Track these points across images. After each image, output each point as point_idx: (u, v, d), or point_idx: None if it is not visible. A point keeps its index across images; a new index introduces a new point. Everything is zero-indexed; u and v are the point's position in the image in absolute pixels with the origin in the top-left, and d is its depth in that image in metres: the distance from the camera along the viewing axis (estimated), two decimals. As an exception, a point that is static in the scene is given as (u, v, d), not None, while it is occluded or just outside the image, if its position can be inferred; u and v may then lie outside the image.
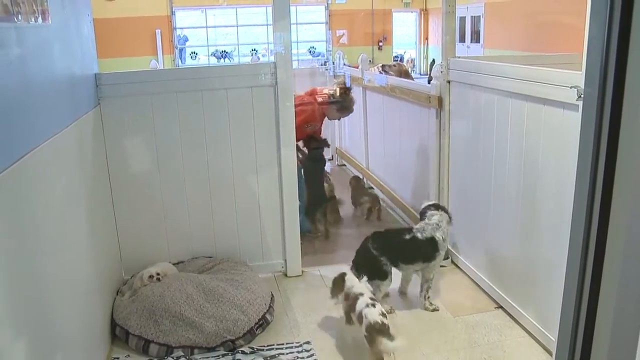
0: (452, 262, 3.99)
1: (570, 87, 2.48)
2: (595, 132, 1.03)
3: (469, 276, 3.79)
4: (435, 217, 3.42)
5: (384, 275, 3.33)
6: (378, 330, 2.72)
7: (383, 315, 2.79)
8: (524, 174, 3.07)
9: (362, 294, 2.93)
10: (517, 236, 3.18)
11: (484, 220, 3.54)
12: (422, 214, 3.53)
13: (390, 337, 2.71)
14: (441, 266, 3.94)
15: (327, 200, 4.74)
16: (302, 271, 3.92)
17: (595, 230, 1.06)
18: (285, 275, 3.92)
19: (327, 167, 5.65)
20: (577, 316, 1.12)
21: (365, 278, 3.35)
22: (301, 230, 3.95)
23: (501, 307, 3.37)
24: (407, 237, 3.38)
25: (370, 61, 6.69)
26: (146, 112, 3.56)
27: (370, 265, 3.35)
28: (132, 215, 3.65)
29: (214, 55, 15.02)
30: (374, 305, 2.83)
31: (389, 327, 2.76)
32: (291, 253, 3.90)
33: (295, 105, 4.17)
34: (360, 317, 2.83)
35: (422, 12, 15.83)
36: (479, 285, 3.65)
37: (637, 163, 0.99)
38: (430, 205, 3.54)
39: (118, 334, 3.12)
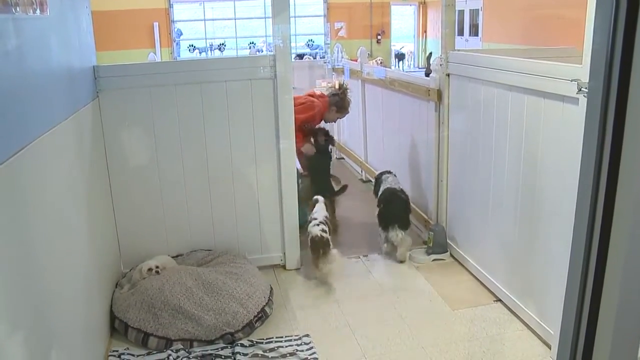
0: (451, 255, 3.99)
1: (571, 81, 2.47)
2: (599, 126, 1.02)
3: (467, 270, 3.79)
4: (390, 177, 4.36)
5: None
6: (317, 242, 3.62)
7: (323, 231, 3.69)
8: (524, 167, 3.06)
9: (315, 218, 3.81)
10: (516, 229, 3.18)
11: (483, 213, 3.53)
12: (378, 179, 4.44)
13: (327, 248, 3.61)
14: (440, 259, 3.96)
15: (334, 193, 4.71)
16: (301, 264, 3.92)
17: (600, 224, 1.05)
18: (284, 268, 3.92)
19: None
20: (580, 308, 1.12)
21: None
22: (300, 223, 3.94)
23: (500, 300, 3.38)
24: (400, 191, 4.20)
25: (368, 54, 6.67)
26: (145, 104, 3.55)
27: (407, 216, 4.10)
28: (131, 208, 3.65)
29: (197, 49, 14.85)
30: (318, 225, 3.72)
31: (327, 240, 3.65)
32: (290, 246, 3.90)
33: (301, 103, 4.18)
34: (308, 233, 3.71)
35: (421, 5, 15.79)
36: (477, 279, 3.65)
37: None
38: (383, 172, 4.49)
39: (117, 327, 3.12)
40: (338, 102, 4.75)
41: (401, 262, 3.96)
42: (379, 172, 4.62)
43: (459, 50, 3.91)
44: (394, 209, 4.07)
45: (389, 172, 4.46)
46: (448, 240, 4.03)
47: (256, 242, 3.88)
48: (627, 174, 1.01)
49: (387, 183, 4.28)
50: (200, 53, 14.76)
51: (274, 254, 3.93)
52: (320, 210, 3.97)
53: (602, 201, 1.06)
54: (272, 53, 3.70)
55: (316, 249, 3.65)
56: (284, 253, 3.91)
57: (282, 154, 3.75)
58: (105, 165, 3.51)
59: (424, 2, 15.67)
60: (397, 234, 3.95)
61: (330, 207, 4.77)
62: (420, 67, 14.90)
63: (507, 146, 3.21)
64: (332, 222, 4.61)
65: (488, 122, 3.38)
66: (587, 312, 1.12)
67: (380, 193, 4.28)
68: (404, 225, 4.01)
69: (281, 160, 3.76)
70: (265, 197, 3.83)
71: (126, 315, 3.10)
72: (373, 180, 4.76)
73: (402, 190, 4.21)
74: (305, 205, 4.40)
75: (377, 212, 4.18)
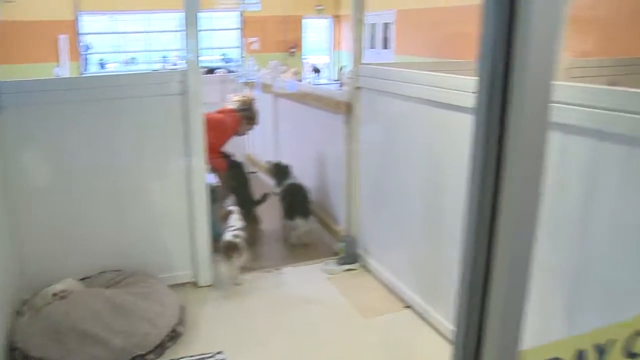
0: (363, 265, 4.07)
1: (473, 93, 2.58)
2: (484, 136, 1.08)
3: (379, 278, 3.87)
4: (292, 172, 4.83)
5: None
6: (227, 246, 3.77)
7: (235, 237, 3.82)
8: (430, 177, 3.17)
9: (232, 226, 3.95)
10: (424, 237, 3.28)
11: (393, 222, 3.63)
12: (283, 171, 4.82)
13: (238, 252, 3.77)
14: (351, 269, 4.03)
15: (255, 203, 4.77)
16: (214, 281, 3.88)
17: (487, 226, 1.12)
18: (196, 285, 3.86)
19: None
20: (469, 307, 1.18)
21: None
22: (214, 237, 3.91)
23: (410, 306, 3.47)
24: (301, 185, 4.73)
25: (282, 68, 6.71)
26: (50, 121, 3.41)
27: (310, 206, 4.64)
28: (35, 230, 3.48)
29: (106, 64, 14.32)
30: (231, 231, 3.86)
31: (237, 244, 3.78)
32: (202, 263, 3.84)
33: (213, 125, 4.19)
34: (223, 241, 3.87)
35: (336, 18, 16.03)
36: (388, 287, 3.73)
37: (520, 164, 1.05)
38: (283, 165, 4.88)
39: (17, 358, 2.94)
40: (248, 115, 4.82)
41: (306, 244, 4.51)
42: (275, 161, 5.06)
43: (368, 63, 4.00)
44: (299, 201, 4.60)
45: (287, 165, 4.90)
46: (360, 250, 4.10)
47: (167, 261, 3.80)
48: (508, 179, 1.07)
49: (291, 178, 4.78)
50: (102, 67, 14.23)
51: (185, 272, 3.86)
52: (234, 220, 4.04)
53: (489, 205, 1.11)
54: (183, 68, 3.66)
55: (227, 253, 3.78)
56: (196, 270, 3.85)
57: (192, 170, 3.70)
58: (5, 185, 3.34)
59: (338, 15, 15.92)
60: (303, 223, 4.52)
61: (253, 217, 4.76)
62: (335, 79, 15.12)
63: (415, 157, 3.31)
64: (254, 231, 4.63)
65: (398, 134, 3.48)
66: (477, 310, 1.18)
67: (284, 186, 4.73)
68: (308, 213, 4.59)
69: (191, 176, 3.71)
70: (175, 214, 3.76)
71: (27, 345, 2.93)
72: (268, 165, 5.19)
73: (302, 184, 4.72)
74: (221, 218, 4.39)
75: (283, 205, 4.67)
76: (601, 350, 1.23)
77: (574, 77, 4.09)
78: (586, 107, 2.12)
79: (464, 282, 1.23)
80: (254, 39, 14.21)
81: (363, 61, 3.95)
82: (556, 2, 0.94)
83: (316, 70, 15.05)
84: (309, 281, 3.93)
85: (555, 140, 2.26)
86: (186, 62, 3.64)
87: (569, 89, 2.21)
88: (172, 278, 3.79)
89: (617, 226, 2.10)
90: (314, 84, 8.99)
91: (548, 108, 1.01)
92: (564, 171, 2.29)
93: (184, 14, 3.56)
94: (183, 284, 3.84)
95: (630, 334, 1.26)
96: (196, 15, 3.59)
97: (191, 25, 3.57)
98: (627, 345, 1.25)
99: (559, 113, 2.18)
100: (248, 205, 4.67)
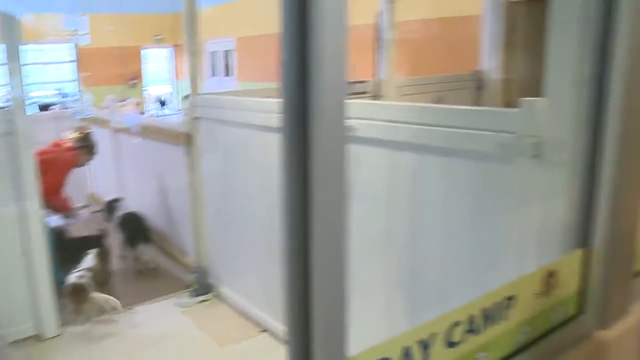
0: (215, 294, 4.05)
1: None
2: (290, 153, 1.15)
3: (233, 306, 3.88)
4: (124, 204, 4.96)
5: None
6: (71, 290, 3.61)
7: (80, 277, 3.67)
8: (271, 201, 3.22)
9: (78, 268, 3.81)
10: (271, 259, 3.33)
11: (241, 248, 3.66)
12: (112, 206, 4.93)
13: (84, 294, 3.60)
14: (205, 300, 4.00)
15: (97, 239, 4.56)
16: (61, 331, 3.65)
17: (303, 243, 1.18)
18: (40, 339, 3.60)
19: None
20: (298, 322, 1.24)
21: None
22: (58, 283, 3.69)
23: (267, 330, 3.51)
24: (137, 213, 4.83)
25: (120, 101, 6.53)
26: None
27: (149, 231, 4.76)
28: None
29: None
30: (76, 273, 3.71)
31: (82, 285, 3.62)
32: (45, 313, 3.60)
33: (47, 163, 3.99)
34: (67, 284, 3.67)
35: (176, 48, 15.83)
36: (244, 313, 3.76)
37: (324, 175, 1.12)
38: (113, 200, 5.02)
39: None
40: (85, 147, 4.68)
41: (153, 268, 4.66)
42: (108, 200, 5.13)
43: (206, 93, 4.03)
44: (138, 228, 4.72)
45: (119, 200, 5.02)
46: (212, 280, 4.08)
47: (4, 316, 3.51)
48: (315, 189, 1.13)
49: (124, 208, 4.88)
50: None
51: (26, 325, 3.57)
52: (86, 262, 3.96)
53: (302, 218, 1.18)
54: (7, 106, 3.43)
55: (72, 297, 3.64)
56: (39, 322, 3.59)
57: (27, 215, 3.48)
58: None
59: (178, 44, 15.75)
60: (145, 248, 4.63)
61: (103, 257, 4.51)
62: (180, 110, 14.89)
63: (256, 183, 3.38)
64: (104, 272, 4.40)
65: (238, 161, 3.54)
66: (303, 323, 1.24)
67: (119, 218, 4.80)
68: (149, 239, 4.72)
69: (27, 222, 3.48)
70: (9, 264, 3.49)
71: None
72: (103, 207, 5.15)
73: (137, 212, 4.83)
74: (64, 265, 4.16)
75: (123, 236, 4.71)
76: (425, 344, 1.34)
77: (404, 95, 4.42)
78: (413, 124, 2.30)
79: (289, 299, 1.28)
80: (86, 73, 13.57)
81: (204, 90, 3.99)
82: (342, 28, 1.04)
83: (161, 102, 14.75)
84: (162, 317, 3.84)
85: (386, 157, 2.43)
86: (11, 100, 3.43)
87: (397, 108, 2.40)
88: (13, 334, 3.50)
89: (442, 232, 2.30)
90: (158, 116, 8.82)
91: (344, 122, 1.09)
92: (395, 186, 2.46)
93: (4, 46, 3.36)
94: (26, 339, 3.56)
95: (449, 325, 1.39)
96: (18, 48, 3.39)
97: (13, 59, 3.36)
98: (447, 336, 1.38)
99: (388, 131, 2.38)
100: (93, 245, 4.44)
